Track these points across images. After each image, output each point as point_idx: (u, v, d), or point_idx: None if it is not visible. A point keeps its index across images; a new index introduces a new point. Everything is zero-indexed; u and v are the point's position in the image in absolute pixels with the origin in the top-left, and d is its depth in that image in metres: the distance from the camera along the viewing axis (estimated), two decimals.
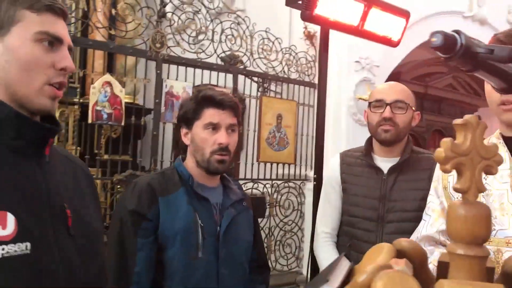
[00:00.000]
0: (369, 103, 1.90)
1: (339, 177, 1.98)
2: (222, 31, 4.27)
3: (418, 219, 1.72)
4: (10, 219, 0.89)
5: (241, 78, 4.48)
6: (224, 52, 4.35)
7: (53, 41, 1.01)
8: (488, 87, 1.34)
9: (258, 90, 4.72)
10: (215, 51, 4.23)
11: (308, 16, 2.41)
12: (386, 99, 1.84)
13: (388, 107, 1.81)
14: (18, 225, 0.90)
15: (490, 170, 0.75)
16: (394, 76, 5.63)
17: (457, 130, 0.75)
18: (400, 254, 0.86)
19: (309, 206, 4.79)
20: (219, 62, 4.36)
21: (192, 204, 1.51)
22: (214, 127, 1.53)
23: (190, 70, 4.07)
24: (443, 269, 0.79)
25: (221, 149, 1.53)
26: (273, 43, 4.67)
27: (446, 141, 0.72)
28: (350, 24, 2.58)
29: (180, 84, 3.99)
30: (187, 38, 4.07)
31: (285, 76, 4.82)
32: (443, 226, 1.44)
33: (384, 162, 1.87)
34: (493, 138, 1.44)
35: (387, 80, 5.37)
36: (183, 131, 1.60)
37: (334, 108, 4.79)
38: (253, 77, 4.60)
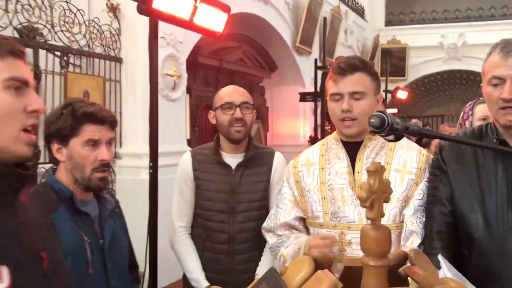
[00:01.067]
0: (219, 105, 2.06)
1: (191, 174, 2.10)
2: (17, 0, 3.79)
3: (262, 207, 2.02)
4: (5, 271, 0.91)
5: (42, 53, 4.07)
6: (21, 24, 3.88)
7: (21, 85, 0.99)
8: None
9: (61, 66, 4.37)
10: (11, 23, 3.75)
11: (145, 10, 2.41)
12: (235, 101, 2.03)
13: (238, 108, 2.02)
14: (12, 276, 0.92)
15: (387, 199, 1.03)
16: (195, 51, 5.88)
17: (369, 175, 0.99)
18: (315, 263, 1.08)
19: (121, 184, 4.78)
20: (16, 35, 3.88)
21: (75, 221, 1.47)
22: (95, 143, 1.49)
23: None
24: (349, 271, 1.06)
25: (102, 165, 1.50)
26: (75, 14, 4.35)
27: (364, 183, 0.96)
28: (182, 18, 2.68)
29: None
30: None
31: (90, 50, 4.58)
32: (298, 213, 1.75)
33: (232, 158, 2.08)
34: (332, 140, 1.77)
35: (189, 56, 5.60)
36: (55, 146, 1.51)
37: (143, 84, 4.78)
38: (55, 52, 4.23)
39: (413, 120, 6.90)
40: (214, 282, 2.00)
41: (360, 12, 11.36)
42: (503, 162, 1.43)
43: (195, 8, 2.68)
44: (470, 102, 2.58)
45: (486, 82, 1.45)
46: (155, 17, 2.46)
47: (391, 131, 0.93)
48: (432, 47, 11.98)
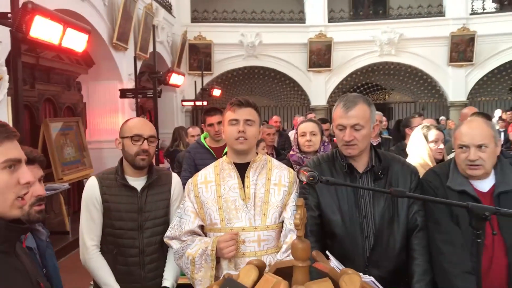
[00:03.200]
0: (128, 136, 2.30)
1: (100, 198, 2.30)
2: None
3: (165, 222, 2.36)
4: None
5: None
6: None
7: (15, 164, 1.20)
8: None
9: None
10: None
11: (23, 39, 2.44)
12: (144, 134, 2.30)
13: (145, 141, 2.30)
14: None
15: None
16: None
17: (297, 208, 1.47)
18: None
19: None
20: None
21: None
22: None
23: None
24: (282, 273, 1.54)
25: (39, 199, 1.66)
26: None
27: (299, 214, 1.44)
28: (53, 43, 2.74)
29: None
30: None
31: None
32: (200, 222, 2.16)
33: (136, 181, 2.35)
34: (224, 163, 2.22)
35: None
36: None
37: None
38: None
39: (310, 115, 7.35)
40: None
41: (168, 8, 11.74)
42: (350, 179, 2.10)
43: (63, 33, 2.77)
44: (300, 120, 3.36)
45: (334, 126, 2.13)
46: (32, 45, 2.49)
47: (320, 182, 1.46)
48: (233, 45, 13.11)
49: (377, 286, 1.59)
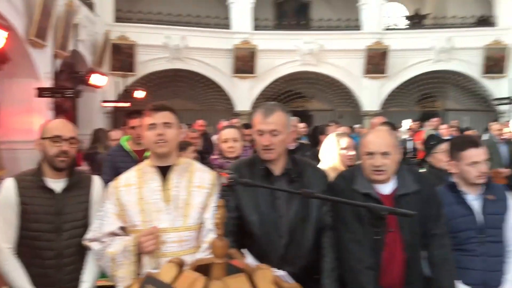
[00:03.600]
0: (47, 136, 2.28)
1: (17, 199, 2.24)
2: None
3: (85, 225, 2.35)
4: None
5: None
6: None
7: None
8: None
9: None
10: None
11: None
12: (64, 135, 2.29)
13: (65, 142, 2.29)
14: None
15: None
16: None
17: (218, 208, 1.58)
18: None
19: None
20: None
21: None
22: None
23: None
24: (201, 269, 1.63)
25: None
26: None
27: (219, 214, 1.54)
28: None
29: None
30: None
31: None
32: (120, 224, 2.19)
33: (56, 183, 2.32)
34: (146, 167, 2.27)
35: None
36: None
37: None
38: None
39: (234, 120, 7.35)
40: None
41: (90, 6, 11.37)
42: (268, 182, 2.24)
43: None
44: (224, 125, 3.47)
45: (255, 131, 2.26)
46: None
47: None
48: (158, 46, 12.95)
49: (288, 280, 1.73)
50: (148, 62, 13.04)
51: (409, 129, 10.58)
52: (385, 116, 11.94)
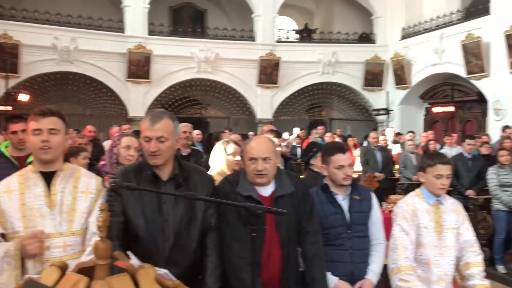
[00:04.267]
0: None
1: None
2: None
3: None
4: None
5: None
6: None
7: None
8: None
9: None
10: None
11: None
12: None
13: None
14: None
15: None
16: None
17: (101, 211, 1.64)
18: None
19: None
20: None
21: None
22: None
23: None
24: (85, 272, 1.68)
25: None
26: None
27: (102, 217, 1.60)
28: None
29: None
30: None
31: None
32: (1, 231, 2.13)
33: None
34: (29, 172, 2.23)
35: None
36: None
37: None
38: None
39: (124, 126, 6.93)
40: None
41: None
42: (155, 186, 2.32)
43: None
44: (118, 134, 3.45)
45: (142, 138, 2.33)
46: None
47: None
48: (46, 47, 12.25)
49: (170, 278, 1.83)
50: (35, 64, 12.27)
51: (298, 136, 11.24)
52: (277, 124, 12.61)
